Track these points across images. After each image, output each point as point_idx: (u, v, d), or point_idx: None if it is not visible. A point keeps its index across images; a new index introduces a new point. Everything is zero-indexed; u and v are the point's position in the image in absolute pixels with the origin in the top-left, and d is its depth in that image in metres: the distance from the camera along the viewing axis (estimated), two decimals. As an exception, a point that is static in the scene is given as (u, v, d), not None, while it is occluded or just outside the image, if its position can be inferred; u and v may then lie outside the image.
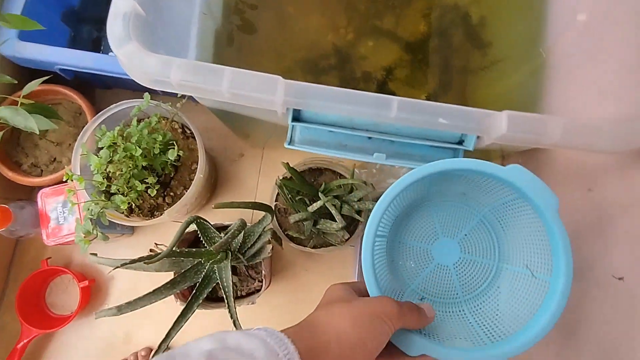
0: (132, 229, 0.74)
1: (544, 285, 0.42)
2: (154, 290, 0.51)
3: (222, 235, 0.57)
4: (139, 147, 0.53)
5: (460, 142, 0.40)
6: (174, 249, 0.53)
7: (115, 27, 0.34)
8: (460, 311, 0.48)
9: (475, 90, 0.63)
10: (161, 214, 0.60)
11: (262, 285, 0.59)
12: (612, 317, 0.43)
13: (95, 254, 0.52)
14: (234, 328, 0.51)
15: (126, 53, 0.33)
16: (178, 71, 0.33)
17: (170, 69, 0.33)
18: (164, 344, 0.49)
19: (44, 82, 0.66)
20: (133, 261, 0.46)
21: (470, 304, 0.48)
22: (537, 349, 0.36)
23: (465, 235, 0.50)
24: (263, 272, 0.58)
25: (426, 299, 0.49)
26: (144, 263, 0.44)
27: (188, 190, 0.58)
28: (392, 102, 0.34)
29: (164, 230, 0.75)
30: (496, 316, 0.45)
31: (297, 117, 0.38)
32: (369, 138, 0.39)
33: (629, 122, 0.35)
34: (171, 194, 0.64)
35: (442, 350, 0.37)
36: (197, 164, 0.61)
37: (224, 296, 0.48)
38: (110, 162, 0.53)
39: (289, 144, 0.38)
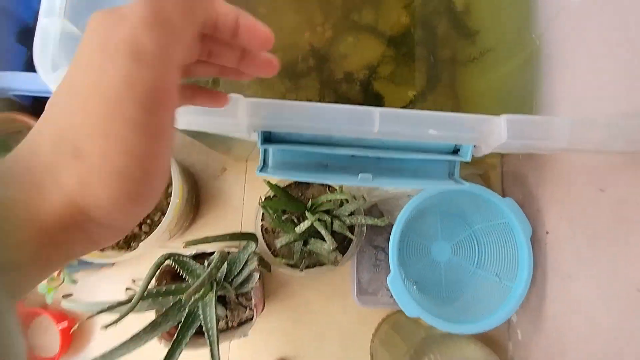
0: (113, 260, 0.69)
1: (507, 289, 0.54)
2: (131, 337, 0.46)
3: (205, 263, 0.52)
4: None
5: (456, 152, 0.35)
6: (151, 288, 0.49)
7: (44, 54, 0.29)
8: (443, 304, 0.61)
9: (465, 83, 0.59)
10: (138, 245, 0.55)
11: (253, 315, 0.54)
12: (637, 330, 0.39)
13: (71, 295, 0.47)
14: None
15: (58, 79, 0.28)
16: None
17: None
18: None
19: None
20: (110, 308, 0.41)
21: (451, 302, 0.61)
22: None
23: (457, 242, 0.65)
24: (253, 301, 0.54)
25: (419, 285, 0.61)
26: (109, 309, 0.40)
27: (164, 218, 0.54)
28: (373, 114, 0.30)
29: (147, 257, 0.70)
30: (466, 307, 0.58)
31: (267, 138, 0.34)
32: (352, 156, 0.35)
33: (645, 116, 0.30)
34: (148, 221, 0.59)
35: (432, 317, 0.49)
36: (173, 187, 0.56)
37: (207, 340, 0.43)
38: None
39: (261, 171, 0.33)
